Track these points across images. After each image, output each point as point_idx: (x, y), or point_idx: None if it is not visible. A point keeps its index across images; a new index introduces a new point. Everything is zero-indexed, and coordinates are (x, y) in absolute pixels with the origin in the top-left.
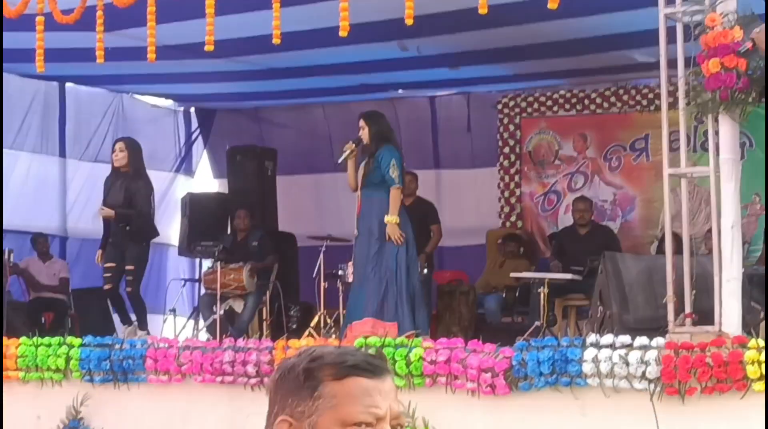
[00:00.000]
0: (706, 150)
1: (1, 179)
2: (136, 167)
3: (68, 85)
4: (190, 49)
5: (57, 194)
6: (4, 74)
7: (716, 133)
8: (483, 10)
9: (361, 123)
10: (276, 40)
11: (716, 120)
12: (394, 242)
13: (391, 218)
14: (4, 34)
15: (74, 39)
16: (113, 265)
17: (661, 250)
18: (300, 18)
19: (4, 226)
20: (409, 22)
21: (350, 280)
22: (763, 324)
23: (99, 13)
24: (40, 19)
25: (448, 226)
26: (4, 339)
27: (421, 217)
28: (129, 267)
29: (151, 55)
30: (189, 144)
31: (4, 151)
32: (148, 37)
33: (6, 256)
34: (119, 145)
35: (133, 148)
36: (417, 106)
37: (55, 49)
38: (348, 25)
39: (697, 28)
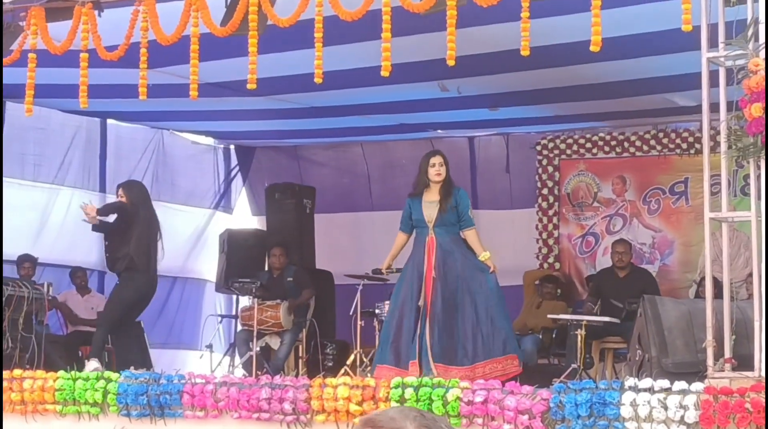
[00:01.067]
0: (747, 194)
1: (2, 208)
2: (135, 203)
3: (109, 121)
4: (231, 86)
5: None
6: (48, 110)
7: (758, 177)
8: (525, 52)
9: (441, 160)
10: (318, 80)
11: (758, 165)
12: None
13: (486, 253)
14: (49, 70)
15: (116, 76)
16: None
17: (699, 294)
18: (341, 57)
19: (45, 261)
20: (450, 63)
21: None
22: None
23: (143, 50)
24: (84, 56)
25: None
26: (43, 372)
27: None
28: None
29: (193, 93)
30: (228, 181)
31: (47, 186)
32: (191, 75)
33: (45, 289)
34: (120, 191)
35: (131, 190)
36: (456, 146)
37: (97, 85)
38: (390, 65)
39: (740, 72)
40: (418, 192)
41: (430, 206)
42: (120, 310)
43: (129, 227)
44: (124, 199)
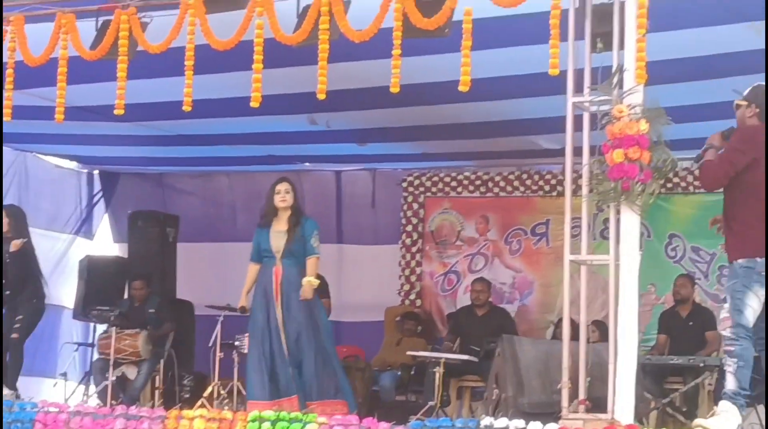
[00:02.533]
0: (606, 238)
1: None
2: (19, 232)
3: None
4: (98, 111)
5: None
6: None
7: (617, 222)
8: (395, 89)
9: (287, 187)
10: (187, 107)
11: (617, 209)
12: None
13: (312, 279)
14: None
15: None
16: None
17: (556, 335)
18: (212, 86)
19: None
20: (321, 96)
21: (246, 351)
22: (653, 413)
23: (9, 71)
24: None
25: (346, 301)
26: None
27: None
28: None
29: (59, 116)
30: (90, 206)
31: None
32: (57, 98)
33: None
34: (4, 211)
35: (16, 216)
36: (323, 179)
37: None
38: (260, 95)
39: (604, 118)
40: (266, 221)
41: (278, 236)
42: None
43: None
44: (7, 221)
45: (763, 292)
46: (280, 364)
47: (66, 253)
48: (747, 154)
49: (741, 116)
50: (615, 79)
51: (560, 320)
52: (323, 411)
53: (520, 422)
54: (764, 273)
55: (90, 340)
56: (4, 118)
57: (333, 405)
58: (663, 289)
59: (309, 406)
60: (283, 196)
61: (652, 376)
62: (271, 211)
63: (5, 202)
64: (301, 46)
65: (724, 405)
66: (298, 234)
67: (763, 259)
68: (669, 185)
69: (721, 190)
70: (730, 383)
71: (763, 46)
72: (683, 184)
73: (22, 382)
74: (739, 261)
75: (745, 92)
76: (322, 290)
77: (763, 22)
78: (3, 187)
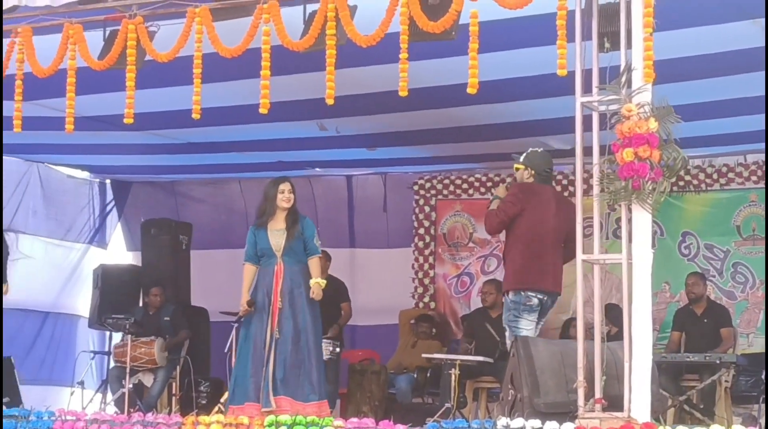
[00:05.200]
0: (619, 237)
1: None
2: None
3: None
4: (108, 120)
5: None
6: None
7: (629, 220)
8: (404, 93)
9: (290, 187)
10: (196, 116)
11: (629, 208)
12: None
13: (319, 280)
14: None
15: None
16: None
17: (570, 335)
18: (220, 94)
19: None
20: (329, 102)
21: None
22: (670, 411)
23: (18, 82)
24: None
25: (361, 305)
26: None
27: (332, 294)
28: None
29: (69, 126)
30: (103, 215)
31: None
32: (67, 108)
33: None
34: None
35: None
36: (334, 184)
37: None
38: (269, 102)
39: (613, 117)
40: (263, 221)
41: (277, 234)
42: None
43: None
44: None
45: (532, 316)
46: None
47: (80, 263)
48: (516, 206)
49: (520, 177)
50: (623, 79)
51: (574, 320)
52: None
53: (537, 422)
54: (529, 303)
55: (106, 349)
56: (15, 130)
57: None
58: (677, 287)
59: (302, 406)
60: (287, 196)
61: (668, 374)
62: (270, 210)
63: (20, 213)
64: (309, 52)
65: None
66: (298, 232)
67: (528, 291)
68: (681, 183)
69: None
70: None
71: None
72: (695, 181)
73: (38, 391)
74: (509, 294)
75: (522, 157)
76: (341, 294)
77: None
78: (14, 197)
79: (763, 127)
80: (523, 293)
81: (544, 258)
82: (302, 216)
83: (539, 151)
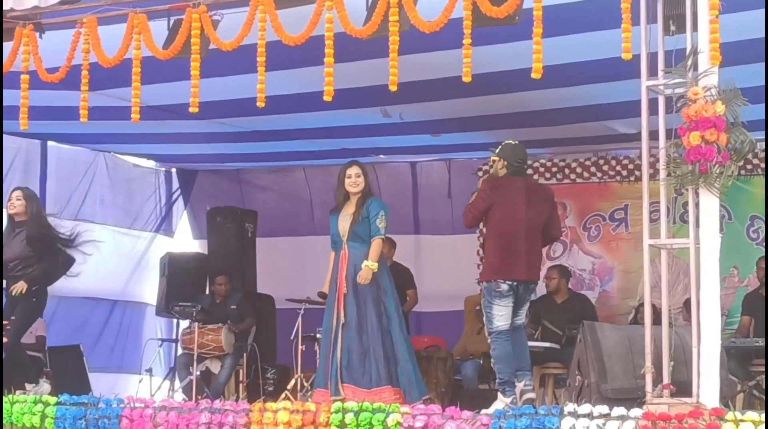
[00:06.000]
0: (685, 222)
1: (1, 202)
2: (32, 214)
3: (50, 143)
4: (174, 109)
5: None
6: None
7: (696, 205)
8: (467, 79)
9: (358, 171)
10: (260, 104)
11: (696, 192)
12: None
13: (372, 262)
14: None
15: (57, 97)
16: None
17: (637, 320)
18: (284, 82)
19: None
20: (393, 88)
21: None
22: (739, 396)
23: (84, 72)
24: (25, 77)
25: (426, 291)
26: None
27: (397, 281)
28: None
29: (135, 116)
30: (169, 204)
31: None
32: (133, 98)
33: None
34: (16, 193)
35: (29, 197)
36: (398, 171)
37: (37, 107)
38: (332, 90)
39: (679, 100)
40: (337, 206)
41: (345, 219)
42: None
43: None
44: (22, 208)
45: (504, 302)
46: (344, 352)
47: (147, 251)
48: (485, 201)
49: (495, 169)
50: (689, 62)
51: (641, 305)
52: (380, 398)
53: (604, 408)
54: (498, 289)
55: (174, 336)
56: (81, 120)
57: (390, 391)
58: (746, 271)
59: (377, 393)
60: (354, 181)
61: (737, 359)
62: (342, 195)
63: (87, 202)
64: (372, 39)
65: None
66: (363, 215)
67: (499, 280)
68: (749, 167)
69: None
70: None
71: None
72: (763, 165)
73: (107, 379)
74: (484, 283)
75: (497, 150)
76: (408, 281)
77: None
78: (47, 182)
79: None
80: (493, 281)
81: (516, 248)
82: (372, 198)
83: (513, 143)
